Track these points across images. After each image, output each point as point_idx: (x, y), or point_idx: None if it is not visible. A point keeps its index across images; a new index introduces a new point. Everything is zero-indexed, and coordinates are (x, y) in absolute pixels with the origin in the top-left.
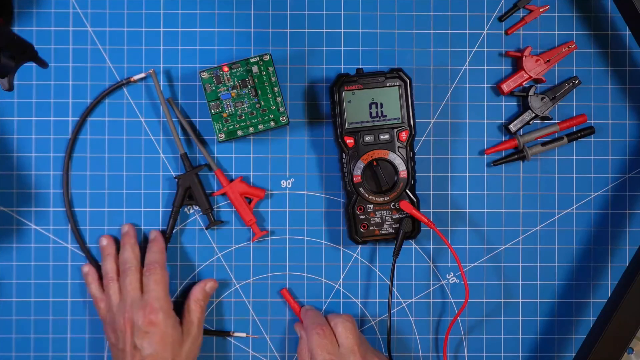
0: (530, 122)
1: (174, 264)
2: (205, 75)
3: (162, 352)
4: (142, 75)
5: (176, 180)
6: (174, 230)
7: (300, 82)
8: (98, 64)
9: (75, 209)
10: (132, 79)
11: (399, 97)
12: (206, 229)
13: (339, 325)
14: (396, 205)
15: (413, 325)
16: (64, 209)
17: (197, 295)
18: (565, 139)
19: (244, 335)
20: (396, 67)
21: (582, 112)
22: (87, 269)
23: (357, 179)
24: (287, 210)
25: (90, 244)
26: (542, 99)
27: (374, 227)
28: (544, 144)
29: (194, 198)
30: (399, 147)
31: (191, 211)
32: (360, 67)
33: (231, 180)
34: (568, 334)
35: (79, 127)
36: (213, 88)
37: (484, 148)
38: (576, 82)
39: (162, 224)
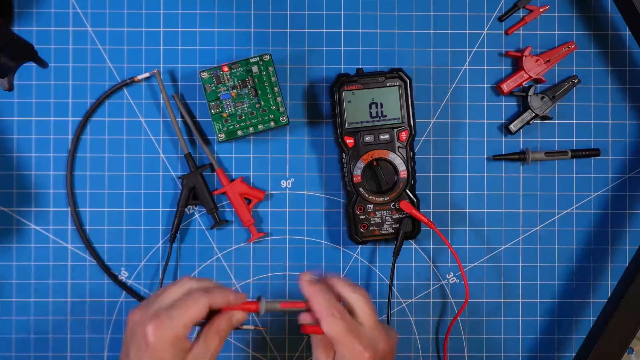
0: (531, 122)
1: (174, 264)
2: (205, 75)
3: None
4: (147, 75)
5: (180, 180)
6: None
7: (300, 82)
8: (98, 64)
9: (77, 208)
10: (136, 79)
11: (399, 97)
12: (211, 228)
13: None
14: (396, 205)
15: (413, 325)
16: (64, 209)
17: (219, 324)
18: (569, 154)
19: (252, 327)
20: (396, 67)
21: (582, 112)
22: None
23: (357, 179)
24: (287, 210)
25: (91, 244)
26: (542, 98)
27: (374, 227)
28: (547, 153)
29: (199, 198)
30: (399, 147)
31: (191, 211)
32: (360, 67)
33: (232, 180)
34: (568, 334)
35: (82, 126)
36: (213, 88)
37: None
38: (575, 81)
39: (162, 224)
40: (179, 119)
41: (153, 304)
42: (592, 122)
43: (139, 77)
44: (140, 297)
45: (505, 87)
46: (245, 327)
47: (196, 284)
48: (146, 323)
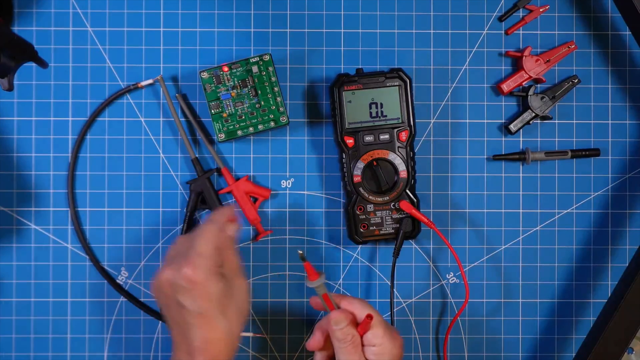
0: (531, 122)
1: None
2: (205, 75)
3: (208, 308)
4: (150, 81)
5: (188, 185)
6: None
7: (300, 82)
8: (98, 64)
9: (76, 208)
10: (139, 85)
11: (399, 97)
12: None
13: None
14: (396, 205)
15: (413, 325)
16: (64, 209)
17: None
18: (569, 154)
19: (251, 334)
20: (396, 67)
21: (582, 112)
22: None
23: (357, 179)
24: (287, 210)
25: (91, 244)
26: (542, 98)
27: (374, 227)
28: (547, 153)
29: (207, 202)
30: (399, 147)
31: (198, 215)
32: (360, 67)
33: (237, 180)
34: (568, 334)
35: (87, 127)
36: (213, 88)
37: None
38: (575, 81)
39: (162, 224)
40: (182, 119)
41: (174, 257)
42: (592, 122)
43: (142, 83)
44: (136, 300)
45: (505, 87)
46: (244, 334)
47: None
48: (181, 270)
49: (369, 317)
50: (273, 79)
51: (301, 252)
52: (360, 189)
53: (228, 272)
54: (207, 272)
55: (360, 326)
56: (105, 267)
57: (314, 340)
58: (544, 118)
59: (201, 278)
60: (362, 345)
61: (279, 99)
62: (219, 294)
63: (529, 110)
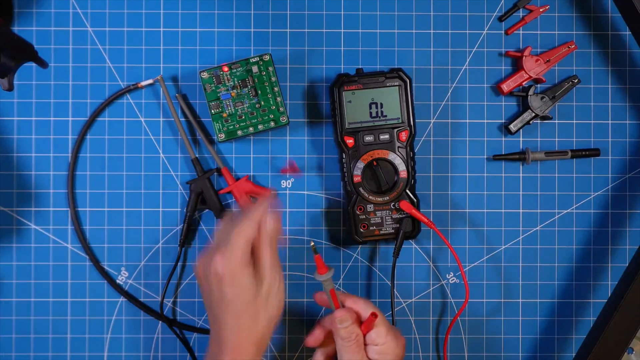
0: (531, 122)
1: (176, 264)
2: (205, 75)
3: (235, 300)
4: (150, 81)
5: (188, 185)
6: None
7: (300, 82)
8: (98, 64)
9: (76, 208)
10: (139, 85)
11: (399, 97)
12: None
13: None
14: (396, 205)
15: (413, 325)
16: (64, 209)
17: (264, 237)
18: (569, 154)
19: None
20: (396, 67)
21: (582, 112)
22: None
23: (357, 179)
24: (287, 210)
25: (91, 244)
26: (542, 98)
27: (374, 227)
28: (547, 153)
29: (207, 202)
30: (399, 147)
31: (198, 215)
32: (360, 67)
33: (237, 180)
34: (568, 334)
35: (87, 127)
36: (213, 88)
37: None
38: (575, 81)
39: (162, 223)
40: (182, 119)
41: (209, 248)
42: (592, 122)
43: (142, 83)
44: (136, 300)
45: (505, 87)
46: None
47: (233, 217)
48: (212, 261)
49: (374, 315)
50: (273, 79)
51: (313, 244)
52: (360, 189)
53: (260, 269)
54: (235, 266)
55: (364, 325)
56: (105, 267)
57: (313, 337)
58: (544, 118)
59: (229, 271)
60: (365, 344)
61: (279, 99)
62: (246, 289)
63: (529, 110)
